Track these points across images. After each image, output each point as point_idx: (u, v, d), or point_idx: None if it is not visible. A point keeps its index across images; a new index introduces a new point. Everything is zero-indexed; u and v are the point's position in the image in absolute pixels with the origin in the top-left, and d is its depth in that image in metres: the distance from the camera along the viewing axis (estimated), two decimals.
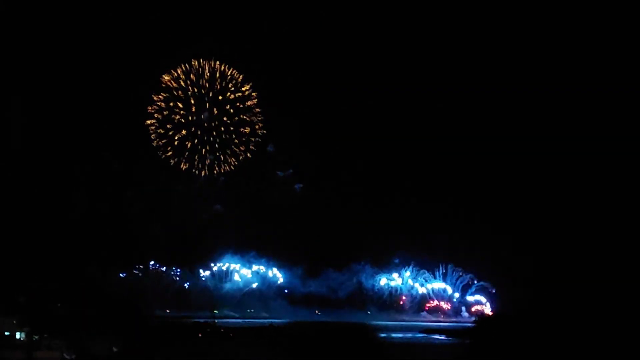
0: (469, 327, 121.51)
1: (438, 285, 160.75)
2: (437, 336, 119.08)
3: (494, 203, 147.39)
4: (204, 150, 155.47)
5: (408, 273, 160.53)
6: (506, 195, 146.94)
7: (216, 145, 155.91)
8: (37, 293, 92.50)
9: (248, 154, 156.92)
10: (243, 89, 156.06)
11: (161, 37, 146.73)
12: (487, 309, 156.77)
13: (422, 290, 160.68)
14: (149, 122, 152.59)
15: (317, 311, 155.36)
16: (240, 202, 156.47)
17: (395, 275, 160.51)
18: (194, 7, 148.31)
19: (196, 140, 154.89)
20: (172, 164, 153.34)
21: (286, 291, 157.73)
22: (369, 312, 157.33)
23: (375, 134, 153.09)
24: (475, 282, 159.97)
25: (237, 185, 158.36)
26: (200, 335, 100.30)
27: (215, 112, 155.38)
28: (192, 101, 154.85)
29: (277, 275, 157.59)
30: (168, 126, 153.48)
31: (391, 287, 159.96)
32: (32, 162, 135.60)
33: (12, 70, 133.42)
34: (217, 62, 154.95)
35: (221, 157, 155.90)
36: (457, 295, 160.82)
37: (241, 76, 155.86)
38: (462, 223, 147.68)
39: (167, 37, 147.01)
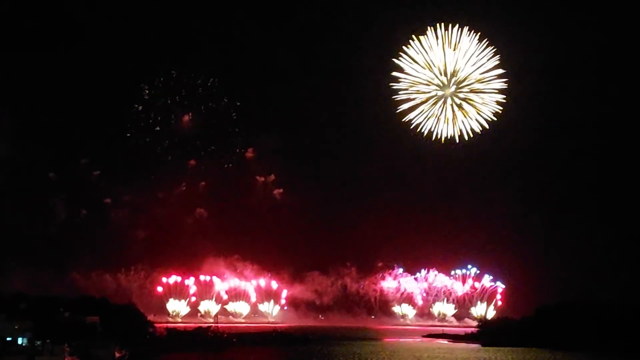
0: (472, 331, 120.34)
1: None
2: (441, 341, 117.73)
3: (483, 204, 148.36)
4: (186, 158, 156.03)
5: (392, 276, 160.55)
6: (501, 195, 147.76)
7: (202, 153, 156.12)
8: (38, 299, 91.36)
9: (230, 163, 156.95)
10: (225, 99, 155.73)
11: (145, 47, 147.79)
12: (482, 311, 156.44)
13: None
14: (128, 135, 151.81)
15: (320, 316, 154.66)
16: (222, 206, 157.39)
17: (381, 277, 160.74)
18: (177, 17, 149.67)
19: (177, 149, 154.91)
20: (154, 177, 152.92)
21: (280, 294, 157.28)
22: (372, 317, 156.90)
23: (369, 135, 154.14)
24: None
25: (219, 190, 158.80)
26: (203, 339, 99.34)
27: (196, 120, 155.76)
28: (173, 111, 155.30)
29: (266, 279, 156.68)
30: (147, 139, 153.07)
31: (378, 290, 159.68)
32: (31, 163, 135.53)
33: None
34: (200, 71, 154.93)
35: (202, 165, 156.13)
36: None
37: (221, 85, 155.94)
38: (451, 230, 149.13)
39: (150, 47, 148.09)
